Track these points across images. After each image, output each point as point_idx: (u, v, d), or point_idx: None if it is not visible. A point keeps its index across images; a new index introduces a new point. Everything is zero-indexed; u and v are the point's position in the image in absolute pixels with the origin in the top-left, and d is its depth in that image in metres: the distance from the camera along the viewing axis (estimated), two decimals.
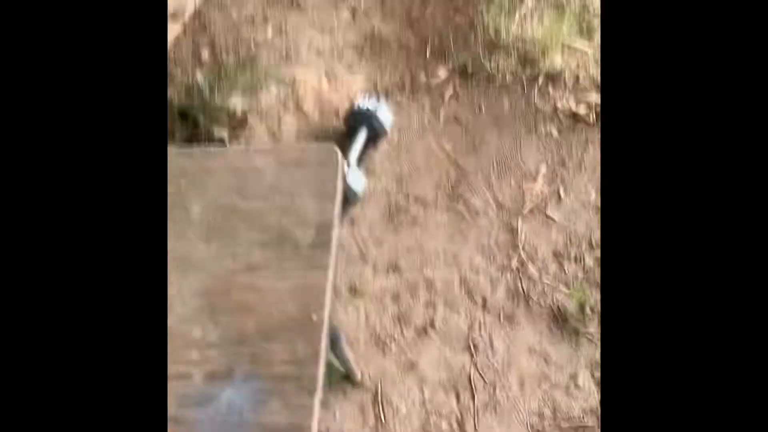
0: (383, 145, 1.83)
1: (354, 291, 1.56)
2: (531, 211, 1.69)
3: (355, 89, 1.95)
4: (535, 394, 1.42)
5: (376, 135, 1.80)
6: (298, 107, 1.93)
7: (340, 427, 1.36)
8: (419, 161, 1.80)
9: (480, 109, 1.91)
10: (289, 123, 1.89)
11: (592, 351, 1.44)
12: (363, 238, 1.65)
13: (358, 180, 1.65)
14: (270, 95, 1.94)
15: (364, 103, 1.77)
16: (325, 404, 1.39)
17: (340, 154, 0.89)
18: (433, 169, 1.79)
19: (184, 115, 1.84)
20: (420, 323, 1.51)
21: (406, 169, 1.79)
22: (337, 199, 0.84)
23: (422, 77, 1.99)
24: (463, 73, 2.00)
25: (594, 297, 1.50)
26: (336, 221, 0.83)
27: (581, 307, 1.49)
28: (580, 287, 1.54)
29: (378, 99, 1.78)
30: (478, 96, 1.94)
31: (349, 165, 1.64)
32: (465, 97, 1.94)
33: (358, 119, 1.77)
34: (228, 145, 1.81)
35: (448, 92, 1.95)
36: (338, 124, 1.87)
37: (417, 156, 1.82)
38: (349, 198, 1.65)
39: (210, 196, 0.84)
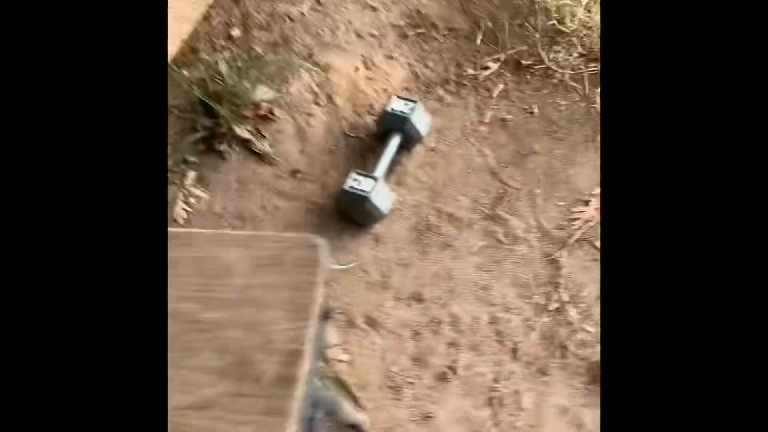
0: (418, 150, 1.65)
1: (371, 323, 1.42)
2: (579, 241, 1.49)
3: (393, 81, 1.75)
4: None
5: (410, 141, 1.61)
6: (330, 99, 1.75)
7: None
8: (457, 171, 1.61)
9: (531, 110, 1.69)
10: (319, 118, 1.72)
11: None
12: (387, 259, 1.50)
13: (384, 196, 1.48)
14: (300, 84, 1.77)
15: (399, 104, 1.58)
16: None
17: (325, 251, 0.73)
18: (472, 181, 1.60)
19: (206, 105, 1.70)
20: (440, 367, 1.37)
21: (441, 179, 1.60)
22: (312, 321, 0.69)
23: (469, 69, 1.77)
24: (516, 66, 1.77)
25: None
26: (309, 349, 0.68)
27: None
28: None
29: (415, 100, 1.58)
30: (531, 95, 1.72)
31: (376, 179, 1.47)
32: (516, 95, 1.72)
33: (391, 123, 1.59)
34: (254, 142, 1.67)
35: (498, 88, 1.73)
36: (371, 122, 1.69)
37: (455, 165, 1.62)
38: (374, 215, 1.49)
39: (170, 296, 0.70)
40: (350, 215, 1.53)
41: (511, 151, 1.63)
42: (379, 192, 1.46)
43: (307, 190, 1.61)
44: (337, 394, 1.31)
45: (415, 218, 1.55)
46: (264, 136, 1.69)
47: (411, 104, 1.57)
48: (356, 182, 1.46)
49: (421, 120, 1.58)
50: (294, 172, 1.64)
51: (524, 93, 1.72)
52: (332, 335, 1.41)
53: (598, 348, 1.36)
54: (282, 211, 1.58)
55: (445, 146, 1.65)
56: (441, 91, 1.74)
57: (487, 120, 1.69)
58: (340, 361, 1.38)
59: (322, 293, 0.72)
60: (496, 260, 1.48)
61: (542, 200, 1.55)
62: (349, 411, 1.20)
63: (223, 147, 1.68)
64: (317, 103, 1.74)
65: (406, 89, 1.74)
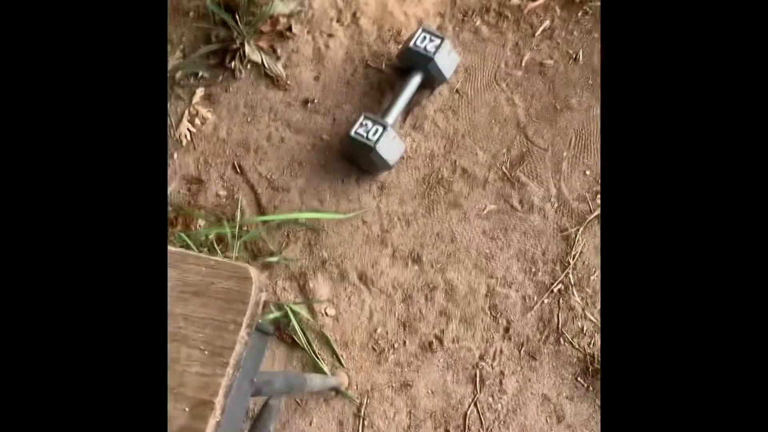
0: (442, 90, 1.50)
1: (363, 279, 1.36)
2: (598, 218, 1.36)
3: (427, 4, 1.57)
4: None
5: (432, 81, 1.46)
6: (355, 19, 1.59)
7: None
8: (481, 120, 1.47)
9: (576, 57, 1.50)
10: (339, 40, 1.57)
11: None
12: (389, 212, 1.41)
13: (392, 147, 1.37)
14: None
15: (424, 40, 1.41)
16: (304, 408, 1.28)
17: (258, 286, 0.66)
18: (495, 134, 1.46)
19: (219, 15, 1.56)
20: (427, 335, 1.32)
21: (461, 128, 1.47)
22: (230, 369, 0.63)
23: None
24: (569, 0, 1.55)
25: None
26: (221, 402, 0.62)
27: None
28: None
29: (442, 37, 1.41)
30: (580, 38, 1.51)
31: (385, 127, 1.35)
32: (562, 36, 1.52)
33: (413, 60, 1.43)
34: (265, 63, 1.54)
35: (543, 25, 1.53)
36: (396, 51, 1.54)
37: (479, 112, 1.48)
38: (379, 166, 1.39)
39: None
40: (355, 161, 1.43)
41: (544, 103, 1.47)
42: (387, 142, 1.35)
43: (317, 123, 1.50)
44: (306, 371, 1.29)
45: (426, 169, 1.44)
46: (278, 57, 1.56)
47: (437, 41, 1.40)
48: (363, 128, 1.35)
49: (447, 60, 1.42)
50: (306, 102, 1.53)
51: (572, 35, 1.52)
52: (322, 287, 1.37)
53: (597, 339, 1.27)
54: (287, 144, 1.49)
55: (471, 89, 1.50)
56: (478, 21, 1.55)
57: (524, 63, 1.51)
58: (327, 315, 1.34)
59: (245, 336, 0.65)
60: (505, 228, 1.38)
61: (568, 166, 1.41)
62: (319, 383, 1.18)
63: (235, 64, 1.56)
64: (340, 21, 1.59)
65: (440, 15, 1.56)
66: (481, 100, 1.48)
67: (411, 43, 1.41)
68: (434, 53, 1.39)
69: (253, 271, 0.67)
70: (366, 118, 1.36)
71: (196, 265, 0.67)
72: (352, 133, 1.35)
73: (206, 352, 0.64)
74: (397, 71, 1.52)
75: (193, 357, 0.64)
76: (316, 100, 1.52)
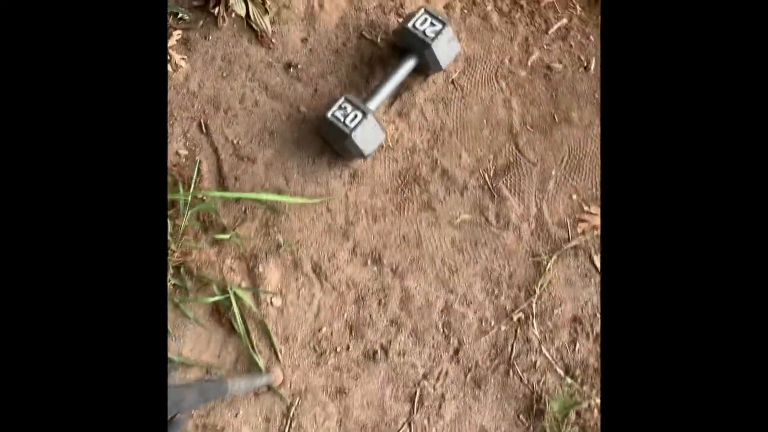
0: (436, 78, 1.37)
1: (318, 271, 1.28)
2: (576, 248, 1.27)
3: None
4: None
5: (427, 68, 1.34)
6: None
7: (238, 428, 1.21)
8: (472, 118, 1.35)
9: (587, 65, 1.37)
10: (337, 1, 1.43)
11: None
12: (357, 203, 1.32)
13: (370, 136, 1.25)
14: None
15: (424, 23, 1.28)
16: (232, 399, 1.22)
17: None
18: (485, 136, 1.34)
19: None
20: (373, 343, 1.25)
21: (450, 124, 1.35)
22: None
23: None
24: None
25: (589, 403, 1.17)
26: None
27: (565, 411, 1.17)
28: (578, 382, 1.19)
29: (444, 22, 1.28)
30: (596, 43, 1.38)
31: (365, 114, 1.23)
32: (577, 38, 1.39)
33: (408, 42, 1.30)
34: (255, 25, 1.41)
35: (559, 23, 1.40)
36: (395, 25, 1.40)
37: (472, 109, 1.36)
38: (353, 154, 1.28)
39: None
40: (330, 142, 1.32)
41: (543, 111, 1.35)
42: (366, 130, 1.23)
43: (297, 92, 1.38)
44: (240, 362, 1.22)
45: (404, 163, 1.33)
46: (267, 10, 1.42)
47: (437, 26, 1.27)
48: (342, 111, 1.23)
49: (445, 49, 1.29)
50: (288, 65, 1.40)
51: (588, 39, 1.38)
52: (273, 273, 1.28)
53: (548, 378, 1.21)
54: (261, 109, 1.37)
55: (468, 82, 1.37)
56: (490, 6, 1.41)
57: (530, 62, 1.38)
58: (272, 305, 1.26)
59: None
60: (475, 241, 1.28)
61: (555, 185, 1.31)
62: (244, 386, 1.11)
63: (219, 10, 1.42)
64: None
65: None
66: (477, 96, 1.36)
67: (410, 24, 1.28)
68: (433, 39, 1.26)
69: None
70: (346, 100, 1.24)
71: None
72: (329, 115, 1.24)
73: None
74: (392, 48, 1.39)
75: None
76: (300, 65, 1.39)
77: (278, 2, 1.44)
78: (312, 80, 1.39)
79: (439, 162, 1.33)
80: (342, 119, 1.23)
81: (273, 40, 1.42)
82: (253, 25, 1.42)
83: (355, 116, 1.23)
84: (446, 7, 1.41)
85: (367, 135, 1.24)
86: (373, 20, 1.41)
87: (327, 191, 1.32)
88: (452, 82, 1.37)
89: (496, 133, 1.34)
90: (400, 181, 1.33)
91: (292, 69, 1.40)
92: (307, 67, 1.39)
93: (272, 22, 1.43)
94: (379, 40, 1.40)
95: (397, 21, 1.40)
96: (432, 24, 1.27)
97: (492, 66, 1.37)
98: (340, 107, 1.24)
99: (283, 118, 1.37)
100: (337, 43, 1.40)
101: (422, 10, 1.28)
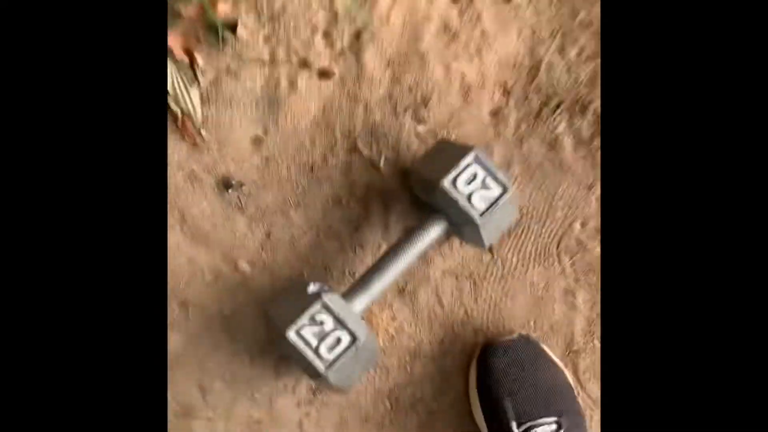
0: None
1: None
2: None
3: (488, 65, 0.87)
4: None
5: (455, 233, 0.82)
6: (356, 45, 0.87)
7: None
8: (515, 312, 0.86)
9: None
10: (315, 81, 0.86)
11: None
12: None
13: (357, 365, 0.74)
14: None
15: (471, 182, 0.74)
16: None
17: None
18: None
19: None
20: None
21: (479, 317, 0.85)
22: None
23: None
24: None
25: None
26: None
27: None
28: None
29: (507, 186, 0.75)
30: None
31: (354, 336, 0.71)
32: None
33: (439, 203, 0.77)
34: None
35: None
36: (412, 128, 0.86)
37: (516, 299, 0.86)
38: (320, 379, 0.76)
39: None
40: (284, 346, 0.79)
41: None
42: (351, 360, 0.72)
43: (236, 232, 0.83)
44: None
45: (400, 376, 0.83)
46: (197, 76, 0.83)
47: (494, 190, 0.74)
48: (310, 327, 0.71)
49: (497, 222, 0.77)
50: (227, 183, 0.84)
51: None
52: None
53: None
54: (172, 259, 0.82)
55: (515, 254, 0.86)
56: (563, 125, 0.89)
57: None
58: None
59: None
60: None
61: None
62: None
63: None
64: (328, 40, 0.86)
65: (503, 90, 0.87)
66: (524, 279, 0.86)
67: (447, 180, 0.74)
68: (483, 213, 0.73)
69: None
70: (321, 298, 0.71)
71: None
72: (291, 333, 0.70)
73: None
74: (402, 180, 0.85)
75: None
76: (245, 185, 0.84)
77: (216, 65, 0.85)
78: (264, 215, 0.83)
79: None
80: (313, 343, 0.70)
81: (203, 134, 0.84)
82: (172, 104, 0.83)
83: (338, 339, 0.70)
84: (494, 114, 0.87)
85: (353, 366, 0.72)
86: (376, 122, 0.85)
87: (269, 416, 0.80)
88: (490, 251, 0.86)
89: (549, 342, 0.85)
90: (389, 405, 0.83)
91: (231, 190, 0.84)
92: (257, 190, 0.84)
93: (205, 101, 0.84)
94: (382, 163, 0.85)
95: (414, 126, 0.86)
96: (485, 186, 0.74)
97: (555, 230, 0.87)
98: (312, 318, 0.70)
99: (208, 280, 0.82)
100: (312, 153, 0.85)
101: (471, 156, 0.73)
